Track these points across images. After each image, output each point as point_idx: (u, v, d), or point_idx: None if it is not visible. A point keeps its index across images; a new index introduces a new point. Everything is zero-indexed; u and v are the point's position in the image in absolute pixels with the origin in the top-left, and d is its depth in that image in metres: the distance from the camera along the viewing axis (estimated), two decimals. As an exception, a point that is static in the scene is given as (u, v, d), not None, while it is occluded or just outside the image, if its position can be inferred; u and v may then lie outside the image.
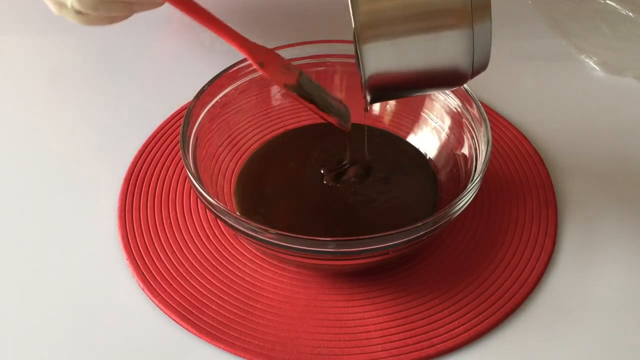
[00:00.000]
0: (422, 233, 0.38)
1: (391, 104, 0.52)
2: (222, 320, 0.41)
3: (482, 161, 0.41)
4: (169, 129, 0.53)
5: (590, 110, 0.57)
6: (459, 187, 0.44)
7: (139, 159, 0.51)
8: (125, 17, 0.49)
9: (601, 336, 0.41)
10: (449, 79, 0.37)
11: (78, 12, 0.47)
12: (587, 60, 0.62)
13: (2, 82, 0.60)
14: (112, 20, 0.49)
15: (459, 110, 0.47)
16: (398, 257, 0.43)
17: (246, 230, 0.38)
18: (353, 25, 0.34)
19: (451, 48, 0.35)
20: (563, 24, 0.66)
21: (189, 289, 0.42)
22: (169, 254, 0.44)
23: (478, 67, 0.37)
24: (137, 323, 0.41)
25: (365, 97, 0.39)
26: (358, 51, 0.35)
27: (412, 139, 0.51)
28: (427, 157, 0.49)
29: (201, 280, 0.43)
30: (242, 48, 0.44)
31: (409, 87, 0.38)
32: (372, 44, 0.34)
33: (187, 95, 0.49)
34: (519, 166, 0.51)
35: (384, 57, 0.35)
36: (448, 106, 0.48)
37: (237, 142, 0.50)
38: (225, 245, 0.45)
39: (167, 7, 0.47)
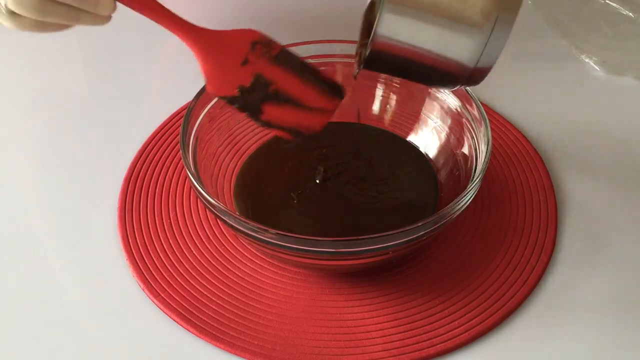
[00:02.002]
0: (422, 233, 0.38)
1: (391, 104, 0.52)
2: (222, 320, 0.41)
3: (482, 161, 0.41)
4: (169, 129, 0.53)
5: (590, 110, 0.57)
6: (459, 187, 0.44)
7: (139, 159, 0.51)
8: (62, 28, 0.43)
9: (601, 336, 0.41)
10: (444, 74, 0.38)
11: (11, 14, 0.41)
12: (587, 60, 0.62)
13: (2, 81, 0.60)
14: (46, 27, 0.42)
15: (459, 110, 0.47)
16: (398, 257, 0.43)
17: (246, 230, 0.38)
18: None
19: (461, 47, 0.36)
20: (563, 24, 0.66)
21: (189, 289, 0.42)
22: (169, 254, 0.44)
23: (476, 74, 0.38)
24: (137, 323, 0.41)
25: (359, 63, 0.39)
26: (379, 12, 0.35)
27: (412, 138, 0.51)
28: (427, 157, 0.49)
29: (201, 280, 0.43)
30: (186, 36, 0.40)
31: (404, 67, 0.38)
32: (393, 15, 0.35)
33: (187, 95, 0.49)
34: (519, 166, 0.51)
35: (397, 28, 0.36)
36: (448, 106, 0.48)
37: (237, 142, 0.50)
38: (225, 245, 0.45)
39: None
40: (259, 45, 0.41)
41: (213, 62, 0.40)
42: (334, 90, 0.43)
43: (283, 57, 0.42)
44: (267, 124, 0.43)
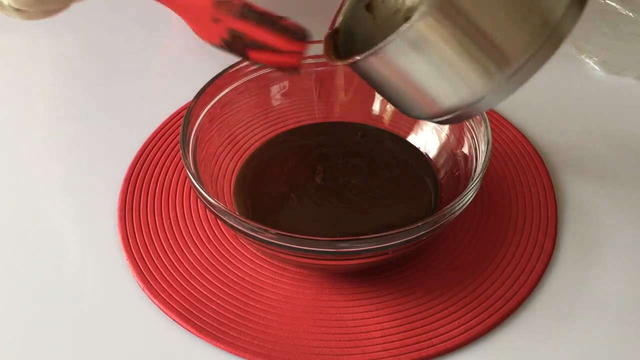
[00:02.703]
0: (422, 233, 0.38)
1: (391, 104, 0.52)
2: (222, 320, 0.41)
3: (482, 161, 0.41)
4: (169, 129, 0.53)
5: (590, 110, 0.57)
6: (459, 187, 0.44)
7: (139, 159, 0.51)
8: (66, 8, 0.47)
9: (601, 336, 0.41)
10: (420, 107, 0.38)
11: (17, 11, 0.45)
12: (587, 60, 0.62)
13: (2, 81, 0.60)
14: (51, 12, 0.47)
15: (459, 110, 0.46)
16: (398, 257, 0.43)
17: (246, 230, 0.38)
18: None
19: (450, 97, 0.35)
20: (563, 24, 0.66)
21: (189, 289, 0.42)
22: (169, 254, 0.44)
23: (452, 120, 0.37)
24: (137, 323, 0.41)
25: (331, 51, 0.40)
26: (394, 34, 0.33)
27: (412, 138, 0.51)
28: (427, 157, 0.49)
29: (201, 280, 0.43)
30: None
31: (385, 85, 0.38)
32: (407, 46, 0.33)
33: (187, 95, 0.49)
34: (519, 166, 0.51)
35: (402, 57, 0.34)
36: (448, 106, 0.48)
37: (237, 142, 0.50)
38: (225, 245, 0.45)
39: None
40: (221, 3, 0.43)
41: (191, 21, 0.44)
42: (298, 36, 0.44)
43: (247, 11, 0.43)
44: (257, 63, 0.45)
